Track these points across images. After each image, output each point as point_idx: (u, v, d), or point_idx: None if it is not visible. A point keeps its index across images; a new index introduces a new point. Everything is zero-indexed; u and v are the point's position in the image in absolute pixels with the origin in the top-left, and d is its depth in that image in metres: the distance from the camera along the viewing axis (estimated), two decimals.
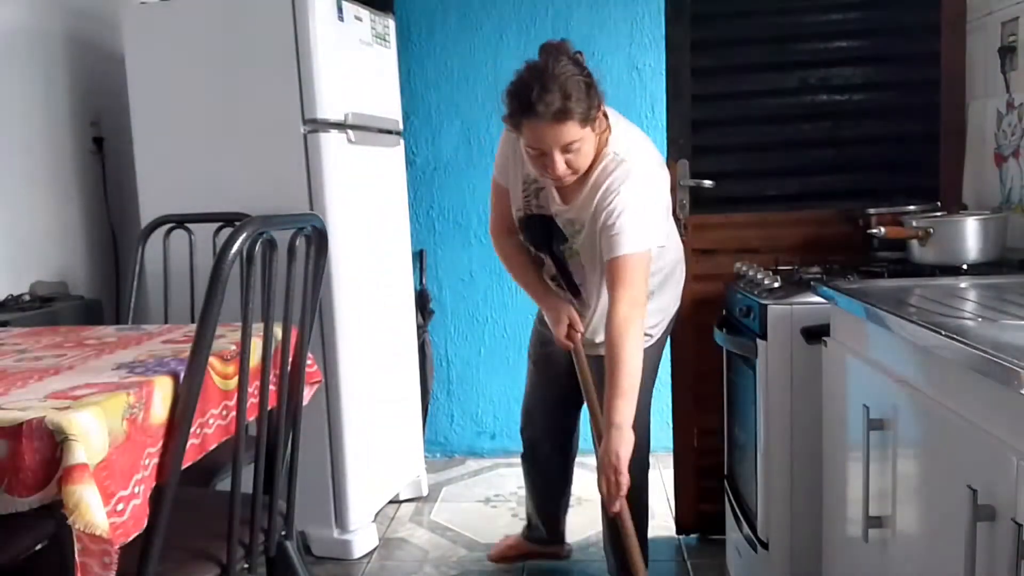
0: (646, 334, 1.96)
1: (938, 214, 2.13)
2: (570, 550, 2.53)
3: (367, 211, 2.77)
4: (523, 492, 2.59)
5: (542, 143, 1.78)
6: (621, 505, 1.84)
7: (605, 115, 1.88)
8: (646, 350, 1.94)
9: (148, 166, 2.67)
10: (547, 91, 1.71)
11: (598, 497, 1.90)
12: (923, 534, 1.31)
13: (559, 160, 1.79)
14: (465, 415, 3.66)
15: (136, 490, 1.19)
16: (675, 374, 2.61)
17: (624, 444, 1.77)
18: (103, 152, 2.87)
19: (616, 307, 1.82)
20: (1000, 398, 1.02)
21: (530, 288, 2.17)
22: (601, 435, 1.87)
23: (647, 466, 2.16)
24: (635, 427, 1.83)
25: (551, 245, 2.05)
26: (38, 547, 1.41)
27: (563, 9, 3.43)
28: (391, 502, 3.03)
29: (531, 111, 1.73)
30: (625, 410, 1.79)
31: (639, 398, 1.86)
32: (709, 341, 2.36)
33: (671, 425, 2.66)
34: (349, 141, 2.62)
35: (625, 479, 1.78)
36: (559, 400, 2.30)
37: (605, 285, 1.91)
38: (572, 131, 1.76)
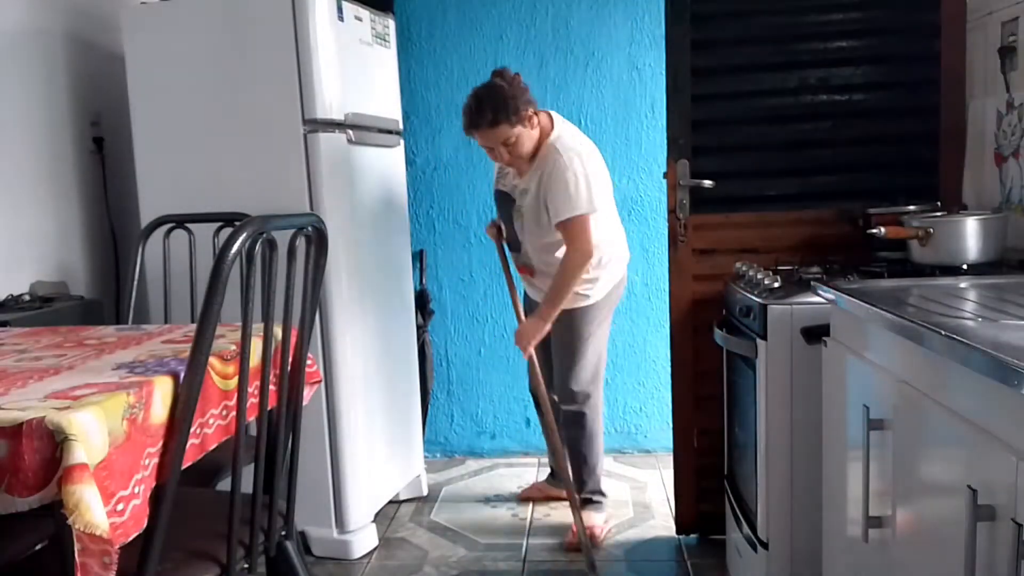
0: (583, 294, 2.63)
1: (938, 214, 2.13)
2: None
3: (367, 211, 2.77)
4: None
5: (487, 143, 2.54)
6: (528, 354, 2.66)
7: (549, 116, 2.60)
8: (590, 307, 2.66)
9: (148, 166, 2.67)
10: (482, 108, 2.48)
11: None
12: (923, 534, 1.31)
13: (503, 151, 2.54)
14: (465, 415, 3.66)
15: (136, 490, 1.19)
16: (675, 374, 2.61)
17: (539, 330, 2.60)
18: (103, 152, 2.87)
19: (567, 255, 2.53)
20: (1000, 398, 1.02)
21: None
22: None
23: (592, 393, 2.75)
24: (584, 364, 2.69)
25: (510, 212, 2.72)
26: (38, 547, 1.41)
27: (563, 9, 3.43)
28: (391, 502, 3.03)
29: (473, 124, 2.51)
30: (550, 312, 2.57)
31: (594, 346, 2.70)
32: (709, 341, 2.36)
33: (671, 425, 2.66)
34: (349, 141, 2.62)
35: (530, 348, 2.63)
36: (547, 355, 2.84)
37: (540, 243, 2.63)
38: (505, 131, 2.49)
